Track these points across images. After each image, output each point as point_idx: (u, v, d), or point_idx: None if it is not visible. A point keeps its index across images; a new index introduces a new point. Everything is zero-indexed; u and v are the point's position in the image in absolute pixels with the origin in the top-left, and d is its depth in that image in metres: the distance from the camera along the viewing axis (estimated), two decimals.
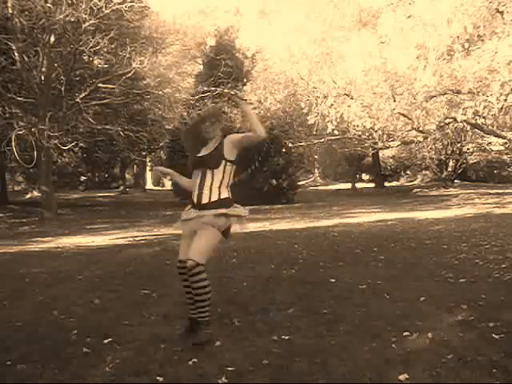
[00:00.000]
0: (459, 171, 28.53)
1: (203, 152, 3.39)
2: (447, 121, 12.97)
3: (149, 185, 37.55)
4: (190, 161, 3.42)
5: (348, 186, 31.60)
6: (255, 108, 15.82)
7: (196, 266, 3.12)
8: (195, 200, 3.33)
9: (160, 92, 16.85)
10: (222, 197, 3.28)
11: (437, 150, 26.37)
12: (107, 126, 16.11)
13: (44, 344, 3.33)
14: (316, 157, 36.87)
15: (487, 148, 26.41)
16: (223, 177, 3.30)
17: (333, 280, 5.06)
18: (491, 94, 10.28)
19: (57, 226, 13.48)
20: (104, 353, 3.13)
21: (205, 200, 3.27)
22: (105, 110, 17.09)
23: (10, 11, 13.33)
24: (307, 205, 19.59)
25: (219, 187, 3.29)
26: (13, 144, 13.40)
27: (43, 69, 14.54)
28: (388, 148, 20.66)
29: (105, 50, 14.81)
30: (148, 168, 38.28)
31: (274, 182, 20.97)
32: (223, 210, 3.25)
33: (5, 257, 7.83)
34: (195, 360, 2.96)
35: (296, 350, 3.08)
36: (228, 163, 3.31)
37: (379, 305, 4.05)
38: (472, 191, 23.06)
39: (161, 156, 31.26)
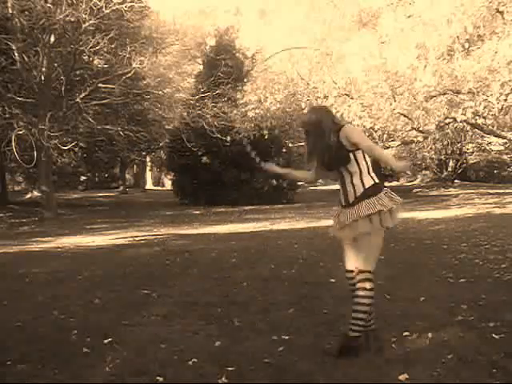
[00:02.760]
0: (459, 171, 28.52)
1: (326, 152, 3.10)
2: (447, 121, 12.95)
3: (149, 185, 37.55)
4: (319, 163, 3.17)
5: None
6: (255, 108, 15.81)
7: (359, 273, 3.06)
8: (343, 202, 3.13)
9: (160, 92, 16.86)
10: (366, 186, 3.03)
11: (437, 149, 26.33)
12: (107, 126, 16.10)
13: (44, 344, 3.33)
14: None
15: (487, 148, 26.41)
16: (358, 166, 3.06)
17: (333, 280, 5.05)
18: (491, 94, 10.28)
19: (57, 226, 13.47)
20: (104, 353, 3.13)
21: (351, 198, 3.06)
22: (105, 110, 17.09)
23: (10, 11, 13.33)
24: (307, 205, 19.58)
25: (360, 178, 3.05)
26: (13, 144, 13.40)
27: (43, 69, 14.53)
28: (388, 148, 20.65)
29: (105, 49, 14.81)
30: (148, 168, 38.30)
31: (274, 182, 20.96)
32: (370, 210, 2.96)
33: (5, 257, 7.83)
34: (195, 360, 2.96)
35: (296, 350, 3.08)
36: (356, 151, 3.04)
37: (379, 305, 4.05)
38: (472, 191, 23.03)
39: (161, 156, 31.26)
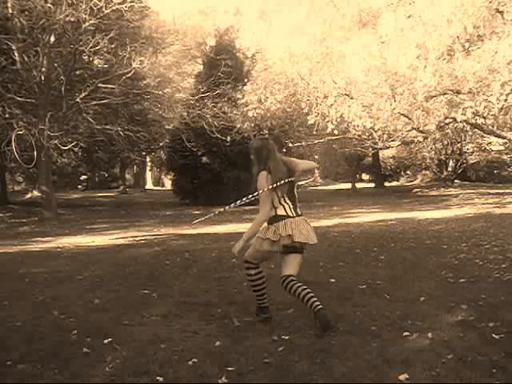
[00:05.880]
0: (459, 171, 28.50)
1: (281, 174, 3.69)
2: (447, 121, 12.94)
3: (149, 185, 37.55)
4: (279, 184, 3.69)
5: (348, 186, 31.55)
6: (255, 108, 15.80)
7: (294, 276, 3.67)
8: (293, 213, 3.80)
9: (160, 92, 16.85)
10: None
11: (437, 149, 26.35)
12: (107, 126, 16.09)
13: (44, 344, 3.33)
14: (316, 157, 36.86)
15: (487, 148, 26.41)
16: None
17: (333, 280, 5.06)
18: (491, 94, 10.26)
19: (57, 226, 13.48)
20: (104, 353, 3.13)
21: (299, 210, 3.87)
22: (105, 110, 17.08)
23: (10, 11, 13.33)
24: (307, 205, 19.57)
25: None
26: (13, 144, 13.38)
27: (43, 69, 14.52)
28: (388, 148, 20.66)
29: (105, 49, 14.81)
30: (148, 168, 38.30)
31: None
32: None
33: (5, 257, 7.83)
34: (195, 360, 2.97)
35: (296, 350, 3.08)
36: None
37: (379, 305, 4.05)
38: (472, 191, 23.04)
39: (161, 156, 31.26)
